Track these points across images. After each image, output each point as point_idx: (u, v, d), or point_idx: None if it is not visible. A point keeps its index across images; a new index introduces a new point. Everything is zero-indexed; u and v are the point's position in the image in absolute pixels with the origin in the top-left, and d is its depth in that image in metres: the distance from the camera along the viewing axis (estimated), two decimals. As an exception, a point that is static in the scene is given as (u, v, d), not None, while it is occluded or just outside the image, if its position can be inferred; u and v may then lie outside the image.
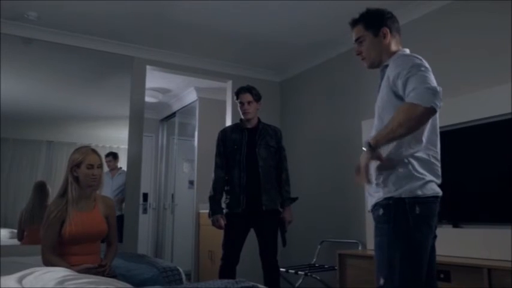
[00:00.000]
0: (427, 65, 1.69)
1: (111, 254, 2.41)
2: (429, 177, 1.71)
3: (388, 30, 1.87)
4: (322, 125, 4.21)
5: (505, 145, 2.51)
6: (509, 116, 2.50)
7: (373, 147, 1.66)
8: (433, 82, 1.61)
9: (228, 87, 4.64)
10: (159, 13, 3.41)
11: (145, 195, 5.97)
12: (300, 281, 3.54)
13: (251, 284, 1.60)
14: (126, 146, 3.97)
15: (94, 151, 2.35)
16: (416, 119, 1.56)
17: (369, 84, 3.60)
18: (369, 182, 1.72)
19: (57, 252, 2.23)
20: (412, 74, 1.63)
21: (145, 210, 5.99)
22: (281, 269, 3.16)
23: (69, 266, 2.03)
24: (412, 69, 1.64)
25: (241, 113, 3.16)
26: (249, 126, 3.15)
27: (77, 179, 2.29)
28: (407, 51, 1.88)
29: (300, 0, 3.18)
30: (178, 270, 2.55)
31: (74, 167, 2.28)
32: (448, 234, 2.69)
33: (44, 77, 3.74)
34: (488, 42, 2.77)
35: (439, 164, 1.79)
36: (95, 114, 3.97)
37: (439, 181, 1.77)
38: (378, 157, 1.69)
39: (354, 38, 1.96)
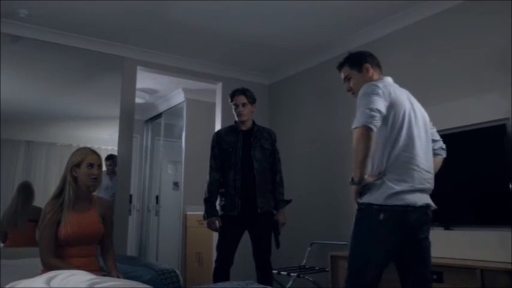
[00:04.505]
0: (375, 89, 1.93)
1: (112, 259, 2.35)
2: (401, 187, 1.90)
3: (369, 66, 2.20)
4: (312, 128, 4.26)
5: (493, 151, 2.61)
6: (499, 123, 2.59)
7: (358, 181, 1.91)
8: (371, 104, 1.87)
9: (218, 89, 4.64)
10: (151, 13, 3.39)
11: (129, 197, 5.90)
12: (291, 282, 3.56)
13: (261, 286, 1.62)
14: (108, 147, 3.92)
15: (94, 151, 2.33)
16: (360, 140, 1.84)
17: (360, 88, 3.66)
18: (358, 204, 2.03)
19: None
20: (358, 104, 1.94)
21: (129, 212, 5.91)
22: (273, 271, 3.18)
23: (76, 268, 1.99)
24: (360, 100, 1.95)
25: (235, 115, 3.17)
26: (243, 128, 3.16)
27: (75, 179, 2.26)
28: (387, 79, 2.15)
29: (291, 1, 3.20)
30: (175, 272, 2.56)
31: (74, 167, 2.25)
32: (439, 236, 2.76)
33: (28, 76, 3.66)
34: (474, 52, 2.87)
35: (419, 169, 1.95)
36: (78, 114, 3.90)
37: (423, 186, 1.96)
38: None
39: (342, 78, 2.31)
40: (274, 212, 3.12)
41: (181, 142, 5.42)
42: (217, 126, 4.47)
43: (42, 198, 3.40)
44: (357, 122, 1.87)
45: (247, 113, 3.14)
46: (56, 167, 3.66)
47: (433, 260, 2.56)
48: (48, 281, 1.06)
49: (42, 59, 3.71)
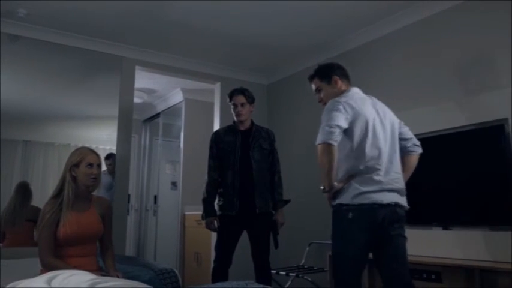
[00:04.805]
0: (335, 105, 2.07)
1: (112, 259, 2.34)
2: (368, 188, 2.03)
3: (338, 78, 2.30)
4: (311, 128, 4.23)
5: (492, 151, 2.61)
6: (498, 123, 2.59)
7: (328, 189, 2.06)
8: (331, 120, 2.02)
9: (217, 89, 4.64)
10: (150, 13, 3.39)
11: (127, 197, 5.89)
12: (289, 282, 3.56)
13: (261, 286, 1.61)
14: (106, 146, 3.91)
15: (93, 151, 2.33)
16: (321, 156, 2.01)
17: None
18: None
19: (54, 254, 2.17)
20: (321, 120, 2.08)
21: (127, 212, 5.90)
22: (272, 271, 3.18)
23: (75, 268, 1.98)
24: (323, 116, 2.09)
25: (234, 115, 3.16)
26: (242, 128, 3.15)
27: (74, 179, 2.25)
28: (353, 90, 2.26)
29: (291, 1, 3.19)
30: (174, 272, 2.55)
31: (73, 166, 2.24)
32: (438, 236, 2.77)
33: (27, 76, 3.65)
34: (474, 52, 2.88)
35: (386, 173, 2.07)
36: (76, 113, 3.89)
37: (391, 186, 2.06)
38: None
39: (313, 89, 2.42)
40: (273, 212, 3.12)
41: (179, 142, 5.42)
42: (216, 126, 4.47)
43: (40, 198, 3.40)
44: (318, 139, 2.02)
45: (246, 113, 3.13)
46: (54, 167, 3.65)
47: (431, 260, 2.59)
48: (49, 281, 1.05)
49: (41, 58, 3.70)
